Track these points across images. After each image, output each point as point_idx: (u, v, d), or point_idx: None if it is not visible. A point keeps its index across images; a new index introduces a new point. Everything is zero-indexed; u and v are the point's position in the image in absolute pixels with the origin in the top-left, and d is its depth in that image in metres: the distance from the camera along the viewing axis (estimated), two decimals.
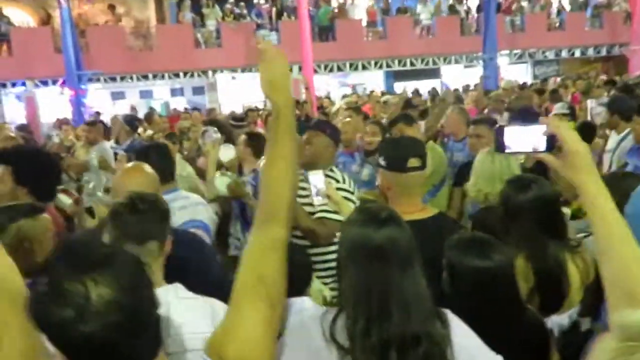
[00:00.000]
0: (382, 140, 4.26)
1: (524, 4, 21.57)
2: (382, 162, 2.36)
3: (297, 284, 2.26)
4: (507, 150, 1.36)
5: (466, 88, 14.44)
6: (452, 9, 20.72)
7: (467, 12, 20.96)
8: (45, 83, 16.03)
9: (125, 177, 2.33)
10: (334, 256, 2.87)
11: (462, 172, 3.89)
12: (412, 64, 19.88)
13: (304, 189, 2.81)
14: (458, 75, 20.84)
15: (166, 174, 2.77)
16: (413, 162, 2.27)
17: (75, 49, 13.99)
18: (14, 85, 16.05)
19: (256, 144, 4.29)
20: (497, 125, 1.34)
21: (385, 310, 1.45)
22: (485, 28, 16.82)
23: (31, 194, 2.78)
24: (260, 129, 8.63)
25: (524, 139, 1.32)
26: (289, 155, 1.39)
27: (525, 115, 4.83)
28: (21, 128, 13.35)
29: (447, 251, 1.93)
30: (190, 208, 2.74)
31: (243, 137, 4.40)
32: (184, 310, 1.69)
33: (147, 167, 2.39)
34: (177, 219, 2.51)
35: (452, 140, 5.15)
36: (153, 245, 1.76)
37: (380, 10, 20.33)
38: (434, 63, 20.23)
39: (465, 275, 1.86)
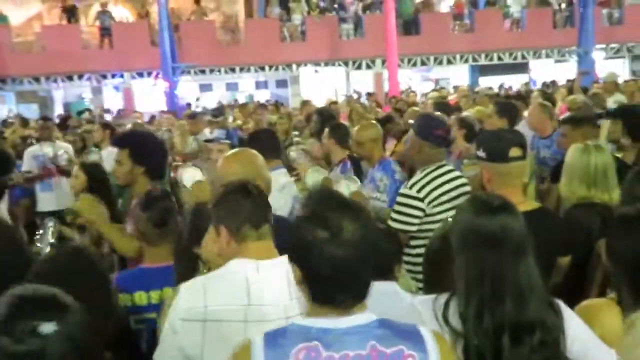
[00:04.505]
0: (480, 133, 4.22)
1: None
2: (481, 154, 2.36)
3: (380, 269, 2.35)
4: None
5: (551, 84, 13.83)
6: (543, 1, 19.87)
7: (560, 3, 20.03)
8: (141, 75, 16.98)
9: (229, 162, 2.38)
10: (419, 250, 2.92)
11: (559, 169, 3.81)
12: (499, 58, 19.27)
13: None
14: (548, 70, 19.98)
15: (274, 153, 3.09)
16: (515, 151, 2.27)
17: (171, 43, 14.70)
18: (113, 76, 17.13)
19: (340, 133, 4.36)
20: None
21: (498, 295, 1.51)
22: (582, 20, 15.99)
23: (146, 173, 3.02)
24: (344, 122, 8.74)
25: None
26: None
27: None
28: (118, 116, 14.29)
29: (609, 229, 1.86)
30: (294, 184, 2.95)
31: (327, 129, 4.48)
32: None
33: (249, 153, 2.43)
34: (292, 190, 2.66)
35: (537, 137, 5.01)
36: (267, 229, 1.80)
37: (468, 2, 19.86)
38: (523, 57, 19.51)
39: (624, 254, 1.74)
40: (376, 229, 1.33)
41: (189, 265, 2.07)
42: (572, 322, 1.55)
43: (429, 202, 2.91)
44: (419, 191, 2.91)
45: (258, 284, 1.66)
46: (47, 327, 1.23)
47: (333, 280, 1.25)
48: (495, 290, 1.51)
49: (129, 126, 8.33)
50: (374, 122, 4.61)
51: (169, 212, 2.36)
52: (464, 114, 6.11)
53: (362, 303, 1.29)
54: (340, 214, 1.27)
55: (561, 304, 1.58)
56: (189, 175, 3.60)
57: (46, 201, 6.18)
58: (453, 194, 2.98)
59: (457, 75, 20.64)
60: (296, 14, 18.37)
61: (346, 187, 3.50)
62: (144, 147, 3.09)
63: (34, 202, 6.46)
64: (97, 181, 3.68)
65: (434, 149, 3.02)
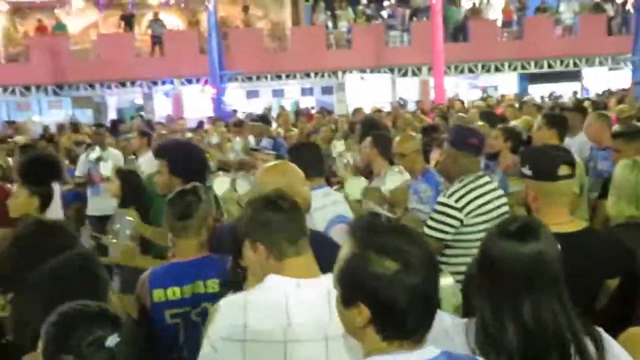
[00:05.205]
0: (525, 148, 4.13)
1: None
2: (527, 171, 2.28)
3: None
4: None
5: (606, 93, 13.34)
6: (597, 7, 19.27)
7: (616, 10, 19.37)
8: (189, 81, 17.40)
9: (264, 175, 2.36)
10: (456, 260, 2.90)
11: (608, 185, 3.67)
12: (550, 65, 18.78)
13: None
14: (601, 78, 19.34)
15: (316, 170, 2.95)
16: (564, 169, 2.18)
17: (219, 50, 15.01)
18: (163, 83, 17.62)
19: (382, 143, 4.26)
20: None
21: (499, 326, 1.45)
22: (638, 26, 15.41)
23: (184, 183, 3.01)
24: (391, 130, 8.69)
25: None
26: None
27: None
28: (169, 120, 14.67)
29: None
30: (339, 204, 2.92)
31: (369, 138, 4.38)
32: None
33: (286, 167, 2.42)
34: (328, 213, 2.64)
35: (595, 148, 4.87)
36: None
37: (516, 9, 19.47)
38: (575, 65, 18.94)
39: None
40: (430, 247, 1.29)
41: (236, 277, 2.09)
42: (614, 352, 1.49)
43: (468, 213, 2.91)
44: (457, 201, 2.92)
45: (298, 303, 1.63)
46: (112, 340, 1.28)
47: (410, 312, 1.18)
48: (495, 323, 1.45)
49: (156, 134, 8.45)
50: (413, 133, 4.55)
51: (192, 205, 2.39)
52: (511, 124, 6.00)
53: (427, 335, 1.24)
54: (401, 240, 1.21)
55: (602, 333, 1.51)
56: (218, 183, 3.62)
57: (96, 205, 6.38)
58: (491, 205, 2.99)
59: (505, 83, 20.23)
60: (342, 21, 18.44)
61: (390, 180, 3.45)
62: (181, 157, 3.15)
63: (85, 206, 6.70)
64: (130, 187, 3.79)
65: (468, 158, 3.05)
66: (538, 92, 17.61)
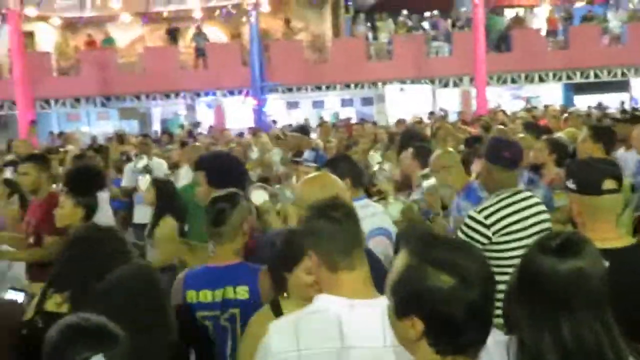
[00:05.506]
0: (570, 161, 4.02)
1: None
2: (572, 185, 2.23)
3: None
4: None
5: None
6: None
7: None
8: (232, 93, 17.72)
9: (305, 187, 2.36)
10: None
11: None
12: (596, 75, 18.29)
13: None
14: None
15: (355, 182, 2.92)
16: (609, 183, 2.12)
17: (260, 62, 15.25)
18: (206, 94, 18.01)
19: (423, 155, 4.15)
20: None
21: (539, 345, 1.39)
22: None
23: None
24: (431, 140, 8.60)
25: None
26: None
27: None
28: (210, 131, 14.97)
29: None
30: (378, 216, 2.89)
31: (410, 150, 4.30)
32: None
33: (327, 178, 2.40)
34: (367, 226, 2.64)
35: None
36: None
37: (561, 18, 19.07)
38: (623, 75, 18.39)
39: None
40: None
41: (276, 287, 2.11)
42: None
43: (497, 231, 2.79)
44: (486, 217, 2.81)
45: (352, 326, 1.57)
46: (96, 359, 1.30)
47: (465, 327, 1.16)
48: (535, 339, 1.39)
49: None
50: (450, 148, 4.47)
51: (225, 212, 2.41)
52: (556, 135, 5.84)
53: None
54: (458, 254, 1.20)
55: None
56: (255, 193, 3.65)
57: (141, 213, 6.54)
58: (530, 221, 2.85)
59: (549, 94, 19.80)
60: (383, 33, 18.46)
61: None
62: (219, 169, 3.20)
63: (131, 214, 6.88)
64: (164, 196, 3.87)
65: (504, 172, 2.93)
66: (583, 102, 17.17)
